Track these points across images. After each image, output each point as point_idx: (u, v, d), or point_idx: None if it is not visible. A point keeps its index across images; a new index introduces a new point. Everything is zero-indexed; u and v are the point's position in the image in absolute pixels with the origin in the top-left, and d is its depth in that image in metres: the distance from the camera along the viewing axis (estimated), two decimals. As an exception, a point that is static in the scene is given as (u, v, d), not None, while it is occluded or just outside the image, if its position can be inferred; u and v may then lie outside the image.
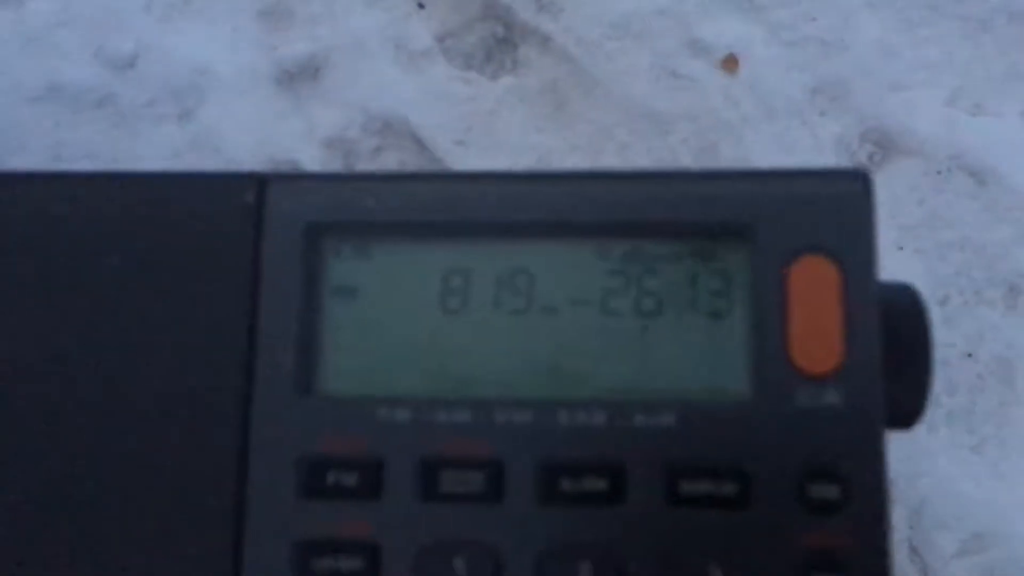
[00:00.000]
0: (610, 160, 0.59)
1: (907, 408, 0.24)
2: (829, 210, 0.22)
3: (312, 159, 0.60)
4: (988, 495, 0.52)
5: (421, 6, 0.64)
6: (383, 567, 0.22)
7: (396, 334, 0.24)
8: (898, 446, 0.53)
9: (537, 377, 0.23)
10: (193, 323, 0.24)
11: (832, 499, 0.22)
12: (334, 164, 0.60)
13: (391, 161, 0.60)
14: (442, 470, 0.23)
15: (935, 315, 0.56)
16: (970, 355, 0.55)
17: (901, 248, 0.57)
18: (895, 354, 0.23)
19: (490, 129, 0.61)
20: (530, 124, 0.61)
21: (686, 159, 0.59)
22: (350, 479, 0.23)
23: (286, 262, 0.24)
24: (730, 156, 0.59)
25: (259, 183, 0.24)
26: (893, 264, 0.56)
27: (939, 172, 0.59)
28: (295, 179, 0.25)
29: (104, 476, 0.23)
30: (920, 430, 0.53)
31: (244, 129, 0.60)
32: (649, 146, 0.60)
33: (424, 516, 0.22)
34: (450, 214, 0.24)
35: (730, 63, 0.61)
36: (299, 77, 0.62)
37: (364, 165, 0.60)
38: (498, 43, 0.63)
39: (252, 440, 0.23)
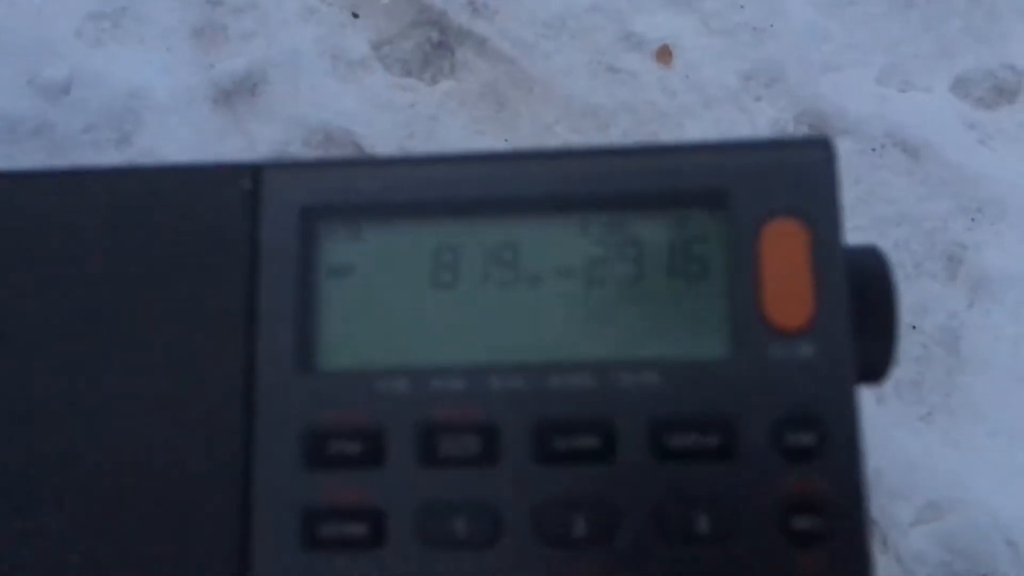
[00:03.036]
0: (552, 158, 0.60)
1: (877, 363, 0.25)
2: (797, 175, 0.24)
3: (255, 175, 0.60)
4: (940, 463, 0.53)
5: (355, 16, 0.64)
6: (387, 531, 0.23)
7: (390, 310, 0.25)
8: (850, 421, 0.54)
9: (526, 344, 0.24)
10: (195, 307, 0.24)
11: (809, 446, 0.22)
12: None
13: (335, 172, 0.60)
14: (440, 436, 0.23)
15: (879, 290, 0.57)
16: (914, 327, 0.56)
17: (841, 227, 0.58)
18: (863, 311, 0.24)
19: (432, 134, 0.61)
20: (471, 126, 0.61)
21: (627, 152, 0.60)
22: (352, 449, 0.24)
23: (283, 245, 0.25)
24: (670, 147, 0.60)
25: (255, 171, 0.25)
26: (834, 243, 0.58)
27: (873, 150, 0.60)
28: (290, 166, 0.25)
29: (112, 454, 0.24)
30: (870, 402, 0.54)
31: (184, 150, 0.60)
32: (590, 140, 0.60)
33: (424, 480, 0.23)
34: (438, 193, 0.25)
35: (664, 55, 0.62)
36: (236, 94, 0.61)
37: (309, 178, 0.60)
38: (435, 48, 0.64)
39: (257, 416, 0.24)
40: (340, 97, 0.61)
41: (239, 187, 0.25)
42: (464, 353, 0.24)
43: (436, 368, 0.24)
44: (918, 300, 0.57)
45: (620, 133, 0.61)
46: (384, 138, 0.61)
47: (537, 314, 0.24)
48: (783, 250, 0.23)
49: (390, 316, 0.24)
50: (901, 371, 0.55)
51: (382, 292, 0.24)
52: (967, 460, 0.53)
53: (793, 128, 0.61)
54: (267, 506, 0.23)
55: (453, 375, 0.24)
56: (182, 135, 0.60)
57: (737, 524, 0.23)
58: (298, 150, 0.60)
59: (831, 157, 0.24)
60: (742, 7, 0.62)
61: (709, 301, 0.24)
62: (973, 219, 0.58)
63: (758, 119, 0.61)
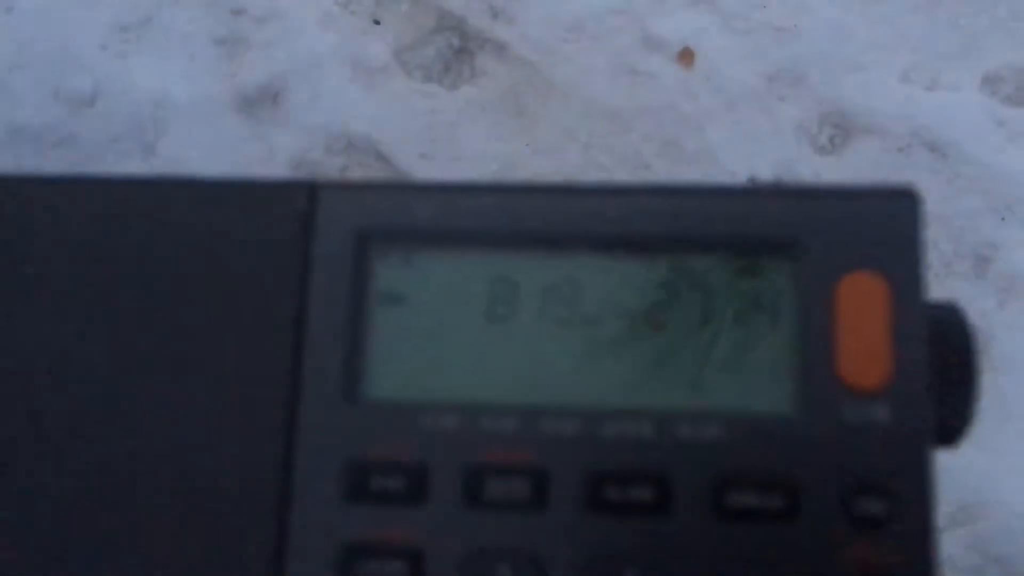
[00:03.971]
0: (573, 161, 0.60)
1: (953, 426, 0.24)
2: (878, 227, 0.23)
3: (278, 183, 0.60)
4: (972, 466, 0.52)
5: (377, 23, 0.64)
6: (427, 573, 0.22)
7: (442, 341, 0.24)
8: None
9: (582, 386, 0.23)
10: (243, 326, 0.24)
11: (878, 514, 0.22)
12: (300, 186, 0.60)
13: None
14: (487, 477, 0.23)
15: (907, 291, 0.56)
16: (944, 328, 0.55)
17: (868, 227, 0.57)
18: (942, 372, 0.23)
19: (453, 140, 0.61)
20: (492, 132, 0.61)
21: (648, 155, 0.60)
22: (395, 484, 0.23)
23: (335, 267, 0.24)
24: (692, 149, 0.59)
25: (311, 189, 0.24)
26: (860, 244, 0.57)
27: (900, 149, 0.59)
28: (346, 186, 0.25)
29: (149, 476, 0.24)
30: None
31: (207, 158, 0.60)
32: (611, 144, 0.60)
33: (468, 523, 0.23)
34: (497, 224, 0.24)
35: (686, 56, 0.62)
36: (259, 102, 0.62)
37: (331, 185, 0.60)
38: (455, 54, 0.64)
39: (298, 444, 0.23)
40: (361, 104, 0.62)
41: (294, 206, 0.24)
42: (517, 392, 0.23)
43: (487, 406, 0.23)
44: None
45: (641, 137, 0.60)
46: (405, 144, 0.61)
47: (595, 356, 0.23)
48: (860, 306, 0.23)
49: (441, 348, 0.24)
50: (930, 373, 0.55)
51: (434, 322, 0.24)
52: (999, 463, 0.52)
53: (818, 129, 0.60)
54: (304, 537, 0.23)
55: (504, 415, 0.23)
56: (205, 143, 0.60)
57: None
58: (320, 157, 0.61)
59: (915, 207, 0.23)
60: (764, 7, 0.62)
61: (779, 355, 0.23)
62: (1003, 218, 0.57)
63: (781, 120, 0.60)
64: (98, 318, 0.25)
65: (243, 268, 0.24)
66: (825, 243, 0.23)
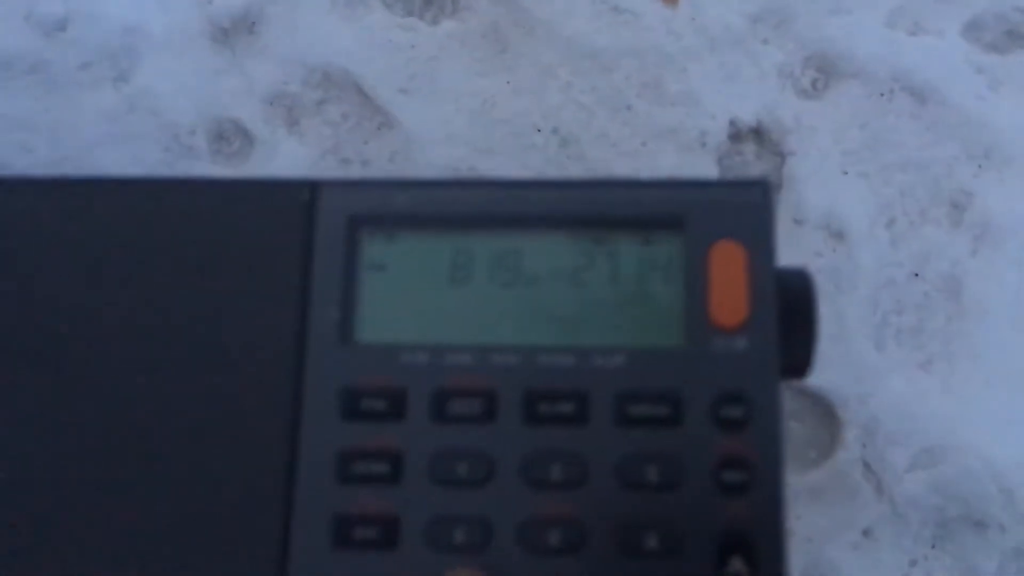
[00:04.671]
0: (553, 100, 0.59)
1: (800, 362, 0.31)
2: (739, 208, 0.31)
3: (254, 116, 0.59)
4: (938, 410, 0.54)
5: (356, -47, 0.62)
6: (405, 469, 0.30)
7: (416, 299, 0.31)
8: (848, 368, 0.54)
9: (522, 330, 0.31)
10: (259, 293, 0.31)
11: (740, 417, 0.29)
12: (277, 121, 0.59)
13: (335, 113, 0.60)
14: (450, 398, 0.30)
15: (882, 238, 0.56)
16: (917, 275, 0.56)
17: (845, 173, 0.57)
18: (789, 320, 0.30)
19: (433, 76, 0.60)
20: (473, 68, 0.60)
21: (630, 95, 0.59)
22: (380, 405, 0.30)
23: (333, 245, 0.31)
24: (674, 90, 0.59)
25: (312, 187, 0.32)
26: (838, 189, 0.57)
27: (882, 94, 0.59)
28: (341, 184, 0.32)
29: (176, 402, 0.30)
30: (869, 350, 0.54)
31: (181, 89, 0.59)
32: (593, 84, 0.60)
33: (436, 432, 0.30)
34: (457, 210, 0.31)
35: (670, -5, 0.61)
36: (234, 32, 0.61)
37: (308, 119, 0.60)
38: (436, -13, 0.62)
39: (306, 377, 0.30)
40: (339, 37, 0.60)
41: (299, 199, 0.31)
42: (472, 335, 0.31)
43: (450, 346, 0.30)
44: (921, 248, 0.56)
45: (623, 77, 0.60)
46: (384, 79, 0.60)
47: (532, 308, 0.31)
48: (726, 265, 0.30)
49: (415, 303, 0.31)
50: (901, 319, 0.55)
51: (409, 285, 0.31)
52: (965, 407, 0.54)
53: (801, 72, 0.60)
54: (310, 450, 0.30)
55: (463, 352, 0.30)
56: (179, 74, 0.59)
57: (681, 477, 0.29)
58: (297, 90, 0.60)
59: (767, 195, 0.31)
60: (750, -54, 0.61)
61: (668, 302, 0.30)
62: (980, 166, 0.58)
63: (764, 63, 0.60)
64: (117, 302, 0.31)
65: (258, 247, 0.31)
66: (702, 220, 0.31)
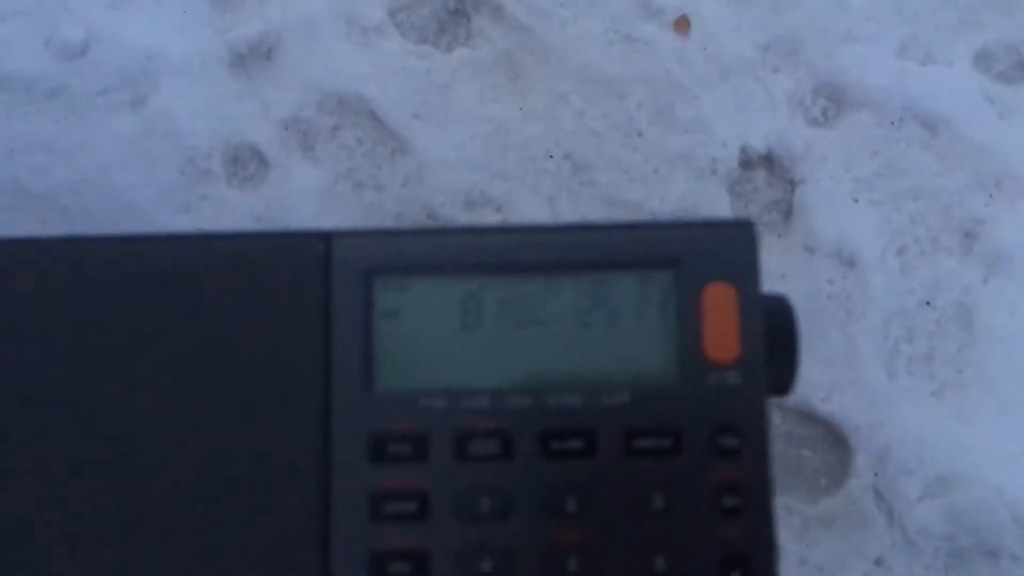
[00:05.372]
0: (566, 126, 0.60)
1: (783, 381, 0.33)
2: (728, 249, 0.32)
3: (270, 141, 0.60)
4: (950, 439, 0.53)
5: (372, -19, 0.63)
6: (431, 507, 0.31)
7: (430, 344, 0.32)
8: (859, 396, 0.54)
9: (532, 371, 0.32)
10: (283, 343, 0.32)
11: (734, 446, 0.31)
12: (292, 145, 0.60)
13: (349, 138, 0.60)
14: (469, 439, 0.32)
15: (893, 265, 0.57)
16: (928, 303, 0.56)
17: (856, 200, 0.58)
18: (771, 343, 0.32)
19: (446, 102, 0.61)
20: (486, 95, 0.61)
21: (642, 122, 0.60)
22: (406, 449, 0.31)
23: (349, 296, 0.32)
24: (685, 118, 0.59)
25: (326, 239, 0.33)
26: (849, 217, 0.57)
27: (892, 123, 0.59)
28: (353, 235, 0.33)
29: (211, 454, 0.32)
30: (881, 378, 0.54)
31: (198, 114, 0.60)
32: (605, 111, 0.60)
33: (458, 472, 0.32)
34: (465, 257, 0.33)
35: (682, 24, 0.61)
36: (251, 58, 0.61)
37: (323, 144, 0.60)
38: (451, 15, 0.63)
39: (333, 425, 0.32)
40: (354, 63, 0.61)
41: (315, 251, 0.32)
42: (486, 378, 0.32)
43: (465, 390, 0.32)
44: (932, 276, 0.56)
45: (635, 104, 0.60)
46: (398, 105, 0.60)
47: (540, 349, 0.32)
48: (718, 305, 0.32)
49: (429, 349, 0.32)
50: (913, 346, 0.55)
51: (423, 331, 0.32)
52: (976, 436, 0.53)
53: (811, 101, 0.60)
54: (344, 491, 0.31)
55: (478, 395, 0.32)
56: (197, 98, 0.60)
57: (682, 502, 0.31)
58: (312, 115, 0.60)
59: (753, 236, 0.32)
60: (761, -24, 0.61)
61: (666, 341, 0.32)
62: (991, 194, 0.58)
63: (775, 91, 0.60)
64: (154, 350, 0.32)
65: (279, 299, 0.32)
66: (695, 260, 0.32)
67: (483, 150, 0.59)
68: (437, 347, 0.32)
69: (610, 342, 0.32)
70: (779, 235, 0.58)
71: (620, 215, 0.58)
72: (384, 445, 0.32)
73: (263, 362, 0.32)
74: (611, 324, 0.32)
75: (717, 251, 0.32)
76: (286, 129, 0.60)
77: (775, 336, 0.33)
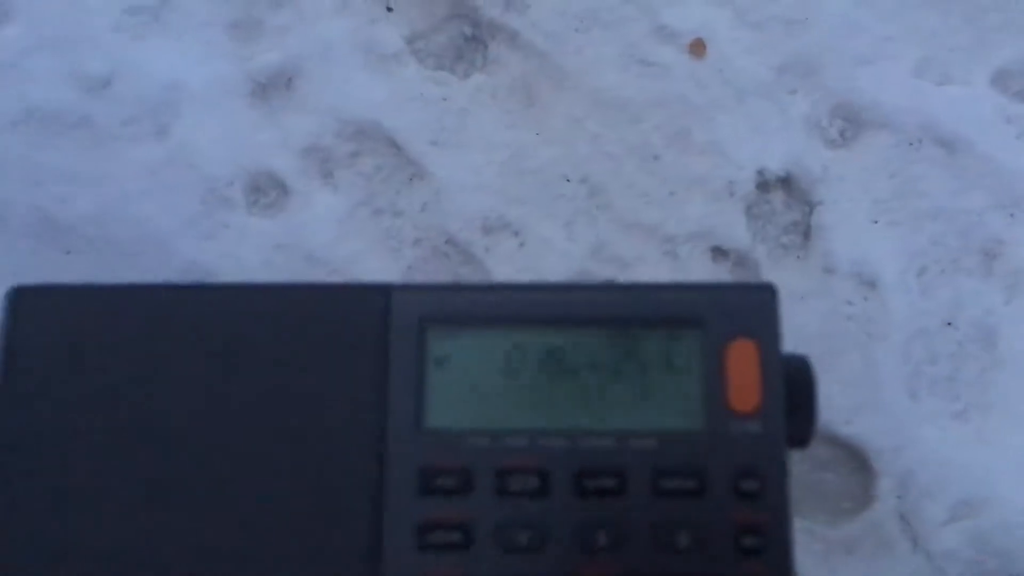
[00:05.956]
0: (582, 151, 0.60)
1: (802, 434, 0.36)
2: (751, 309, 0.36)
3: (289, 169, 0.60)
4: (974, 461, 0.53)
5: (389, 9, 0.64)
6: (475, 538, 0.34)
7: (475, 388, 0.36)
8: (882, 418, 0.54)
9: (569, 416, 0.35)
10: (346, 386, 0.36)
11: (754, 490, 0.34)
12: (312, 172, 0.61)
13: (368, 165, 0.61)
14: (510, 476, 0.35)
15: (913, 287, 0.56)
16: (950, 324, 0.56)
17: (875, 221, 0.57)
18: (791, 401, 0.35)
19: (463, 128, 0.61)
20: (503, 121, 0.61)
21: (658, 145, 0.60)
22: (451, 483, 0.34)
23: (405, 343, 0.36)
24: (702, 140, 0.60)
25: (385, 292, 0.37)
26: (868, 238, 0.57)
27: (910, 144, 0.59)
28: (410, 289, 0.37)
29: (276, 487, 0.35)
30: (903, 400, 0.54)
31: (219, 142, 0.60)
32: (621, 134, 0.60)
33: (499, 506, 0.34)
34: (510, 311, 0.36)
35: (697, 47, 0.62)
36: (271, 87, 0.62)
37: (342, 171, 0.61)
38: (467, 42, 0.64)
39: (387, 460, 0.35)
40: (372, 91, 0.62)
41: (376, 304, 0.36)
42: (526, 420, 0.35)
43: (507, 430, 0.35)
44: (953, 297, 0.56)
45: (651, 127, 0.60)
46: (416, 132, 0.61)
47: (576, 396, 0.35)
48: (741, 360, 0.35)
49: (475, 392, 0.36)
50: (935, 368, 0.55)
51: (470, 376, 0.36)
52: (1001, 458, 0.53)
53: (828, 122, 0.60)
54: (394, 520, 0.34)
55: (519, 436, 0.35)
56: (218, 127, 0.61)
57: (705, 540, 0.33)
58: (331, 143, 0.61)
59: (774, 297, 0.36)
60: (776, -1, 0.62)
61: (691, 392, 0.35)
62: (1011, 214, 0.57)
63: (792, 113, 0.60)
64: (235, 388, 0.36)
65: (343, 345, 0.36)
66: (719, 320, 0.35)
67: (500, 175, 0.60)
68: (482, 391, 0.35)
69: (640, 391, 0.35)
70: (798, 257, 0.58)
71: (637, 238, 0.58)
72: (432, 479, 0.35)
73: (326, 401, 0.36)
74: (642, 374, 0.35)
75: (740, 311, 0.36)
76: (306, 157, 0.61)
77: (795, 393, 0.35)
